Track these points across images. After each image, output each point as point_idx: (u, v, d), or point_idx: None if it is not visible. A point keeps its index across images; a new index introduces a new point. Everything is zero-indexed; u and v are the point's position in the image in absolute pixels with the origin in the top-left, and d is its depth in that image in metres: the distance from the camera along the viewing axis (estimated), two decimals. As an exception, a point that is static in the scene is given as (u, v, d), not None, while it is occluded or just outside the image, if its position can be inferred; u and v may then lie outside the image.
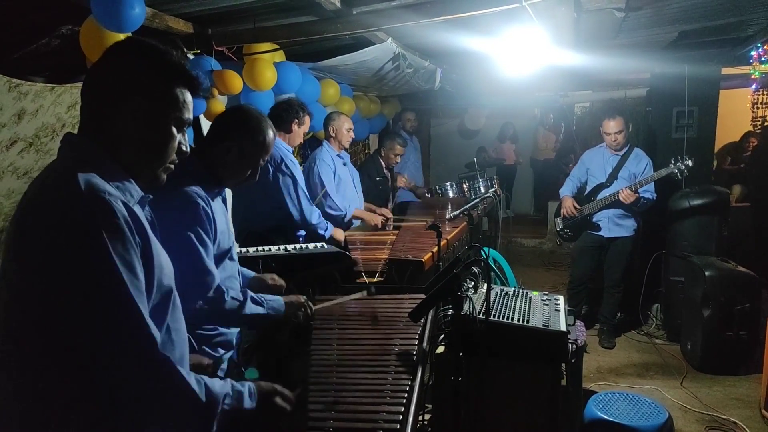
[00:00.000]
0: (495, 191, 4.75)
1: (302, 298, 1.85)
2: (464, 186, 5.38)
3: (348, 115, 4.19)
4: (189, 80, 1.23)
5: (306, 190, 3.14)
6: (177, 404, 1.06)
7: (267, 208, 3.05)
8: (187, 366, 1.27)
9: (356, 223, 4.00)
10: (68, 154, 1.15)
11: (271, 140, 1.89)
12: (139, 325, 1.03)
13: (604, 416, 2.37)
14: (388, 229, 4.09)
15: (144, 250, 1.09)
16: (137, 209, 1.18)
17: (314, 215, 3.16)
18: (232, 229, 1.91)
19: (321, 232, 3.19)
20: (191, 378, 1.08)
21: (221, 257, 1.79)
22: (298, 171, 3.15)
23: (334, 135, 3.94)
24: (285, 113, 3.20)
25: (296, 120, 3.21)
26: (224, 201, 1.92)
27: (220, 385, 1.13)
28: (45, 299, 1.00)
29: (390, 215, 4.30)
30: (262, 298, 1.75)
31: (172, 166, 1.26)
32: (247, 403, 1.16)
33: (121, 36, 2.47)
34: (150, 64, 1.18)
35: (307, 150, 5.09)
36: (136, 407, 1.02)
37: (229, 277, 1.84)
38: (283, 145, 3.14)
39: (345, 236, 3.56)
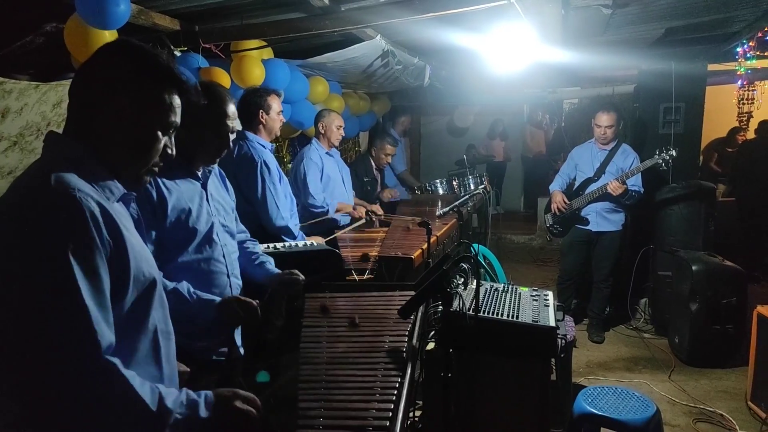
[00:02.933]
0: (484, 188, 4.77)
1: None
2: (454, 183, 5.40)
3: (339, 113, 4.15)
4: (178, 84, 1.22)
5: (276, 193, 2.97)
6: (121, 411, 1.04)
7: (248, 207, 3.01)
8: (173, 365, 1.28)
9: (346, 219, 4.00)
10: (49, 153, 1.15)
11: (230, 105, 1.90)
12: (83, 327, 1.00)
13: (593, 410, 2.38)
14: (375, 226, 4.09)
15: (117, 248, 1.09)
16: (117, 207, 1.18)
17: (278, 220, 2.97)
18: (211, 210, 1.91)
19: (288, 238, 3.00)
20: (144, 387, 1.06)
21: (186, 238, 1.80)
22: (271, 171, 2.98)
23: (323, 132, 3.93)
24: (246, 109, 3.01)
25: (261, 110, 3.01)
26: (204, 186, 1.91)
27: (174, 396, 1.11)
28: None
29: (380, 212, 4.30)
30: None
31: (156, 168, 1.25)
32: (203, 412, 1.13)
33: (107, 33, 2.45)
34: (138, 65, 1.18)
35: (296, 147, 5.08)
36: (77, 412, 1.00)
37: (208, 259, 1.85)
38: (259, 142, 3.01)
39: (335, 234, 3.56)
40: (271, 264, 2.13)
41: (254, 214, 2.99)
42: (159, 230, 1.76)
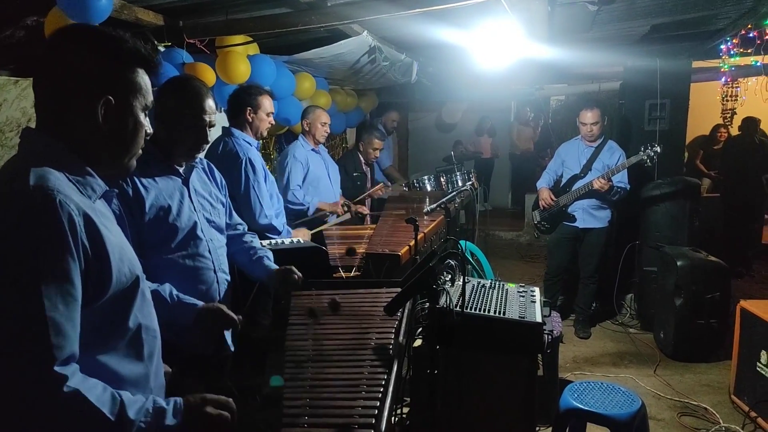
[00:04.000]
0: (472, 184, 4.76)
1: None
2: (442, 179, 5.39)
3: (325, 110, 4.11)
4: (146, 62, 1.20)
5: (260, 190, 2.95)
6: (74, 424, 1.01)
7: (232, 204, 2.98)
8: (157, 363, 1.26)
9: (333, 218, 3.98)
10: (26, 150, 1.12)
11: (208, 100, 1.87)
12: (38, 339, 0.97)
13: (579, 405, 2.39)
14: (365, 222, 4.09)
15: (96, 252, 1.06)
16: (98, 205, 1.15)
17: (261, 218, 2.94)
18: (195, 206, 1.89)
19: (272, 234, 2.97)
20: (103, 396, 1.03)
21: (167, 235, 1.79)
22: (256, 168, 2.96)
23: (308, 129, 3.91)
24: (235, 105, 3.01)
25: (249, 107, 2.97)
26: (186, 182, 1.88)
27: (139, 404, 1.07)
28: None
29: (366, 211, 4.28)
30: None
31: (140, 151, 1.24)
32: (170, 420, 1.09)
33: (88, 27, 2.41)
34: (109, 56, 1.14)
35: (283, 144, 5.05)
36: (22, 423, 0.97)
37: (192, 255, 1.84)
38: (244, 139, 3.00)
39: (322, 231, 3.54)
40: (269, 259, 2.10)
41: (237, 211, 2.96)
42: (138, 228, 1.73)
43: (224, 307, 1.73)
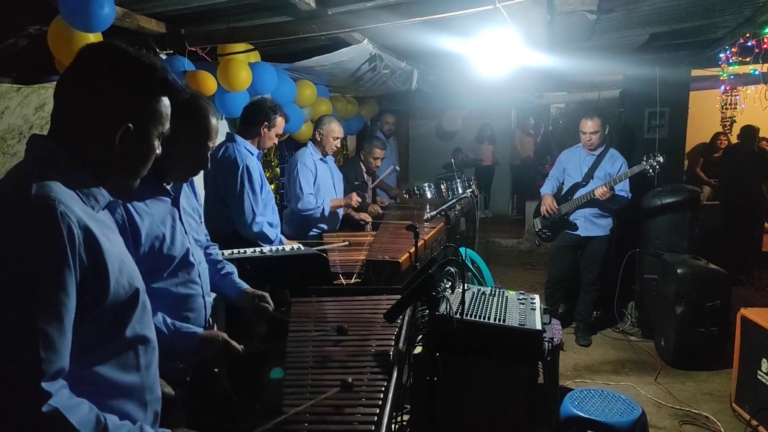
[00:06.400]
0: (472, 191, 4.78)
1: None
2: (442, 186, 5.39)
3: (340, 122, 4.07)
4: (172, 90, 1.21)
5: (254, 198, 2.96)
6: None
7: (226, 210, 2.97)
8: (154, 375, 1.25)
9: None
10: (32, 157, 1.12)
11: (214, 125, 1.77)
12: (29, 352, 0.96)
13: (579, 413, 2.39)
14: (368, 228, 4.10)
15: (94, 265, 1.05)
16: (101, 216, 1.15)
17: (254, 225, 2.95)
18: (186, 228, 1.80)
19: (264, 243, 2.97)
20: (87, 420, 0.99)
21: (161, 265, 1.68)
22: (252, 176, 2.97)
23: (319, 139, 3.92)
24: (253, 115, 3.09)
25: (266, 123, 3.07)
26: (175, 202, 1.76)
27: (124, 431, 1.05)
28: None
29: (369, 219, 4.29)
30: None
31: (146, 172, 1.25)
32: None
33: (91, 36, 2.42)
34: (137, 85, 1.15)
35: (284, 151, 5.06)
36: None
37: (185, 282, 1.75)
38: (245, 147, 3.03)
39: (323, 237, 3.56)
40: (236, 274, 2.05)
41: (230, 217, 2.96)
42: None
43: (226, 337, 1.70)
